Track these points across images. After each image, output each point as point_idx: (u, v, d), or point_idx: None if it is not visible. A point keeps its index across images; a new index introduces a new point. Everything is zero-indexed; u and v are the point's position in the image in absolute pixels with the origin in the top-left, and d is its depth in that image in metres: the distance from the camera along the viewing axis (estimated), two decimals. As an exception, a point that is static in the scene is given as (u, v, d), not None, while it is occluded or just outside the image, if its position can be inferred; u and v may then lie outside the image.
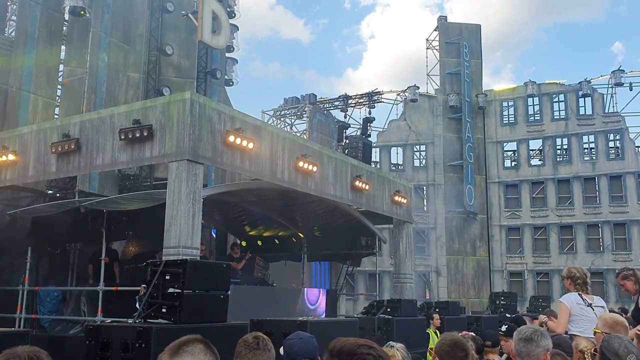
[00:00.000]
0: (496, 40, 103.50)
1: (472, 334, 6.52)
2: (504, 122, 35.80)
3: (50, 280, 13.41)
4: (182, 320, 5.96)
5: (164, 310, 6.10)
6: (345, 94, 36.27)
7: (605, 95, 34.14)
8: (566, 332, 5.88)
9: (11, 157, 11.73)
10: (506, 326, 6.82)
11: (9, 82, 15.34)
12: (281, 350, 3.42)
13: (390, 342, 4.39)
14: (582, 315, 5.87)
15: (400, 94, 36.76)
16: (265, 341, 3.18)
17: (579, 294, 6.03)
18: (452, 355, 3.33)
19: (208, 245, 16.97)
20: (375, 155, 35.23)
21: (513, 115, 35.77)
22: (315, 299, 16.61)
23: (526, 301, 25.44)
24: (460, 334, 5.10)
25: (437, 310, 12.04)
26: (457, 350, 3.35)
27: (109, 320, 8.30)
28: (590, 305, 5.93)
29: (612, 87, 34.00)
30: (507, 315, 13.44)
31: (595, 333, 4.64)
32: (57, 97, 17.31)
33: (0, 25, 18.17)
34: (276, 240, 18.24)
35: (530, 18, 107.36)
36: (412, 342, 8.93)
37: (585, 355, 4.25)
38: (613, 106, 34.19)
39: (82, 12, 16.67)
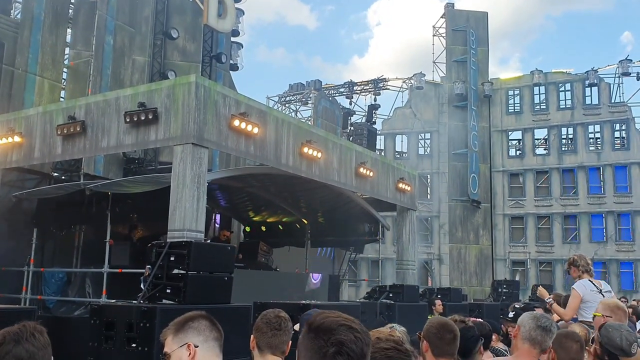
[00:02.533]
0: (504, 29, 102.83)
1: (480, 320, 6.52)
2: (510, 110, 35.64)
3: (55, 261, 13.51)
4: (186, 301, 6.02)
5: (168, 291, 6.16)
6: (351, 80, 36.17)
7: (612, 85, 33.93)
8: (575, 319, 5.89)
9: (17, 138, 11.77)
10: (514, 312, 6.78)
11: (14, 64, 15.35)
12: (296, 326, 3.42)
13: (395, 325, 4.39)
14: (595, 302, 5.81)
15: (406, 82, 36.61)
16: (287, 322, 3.17)
17: (590, 280, 6.00)
18: (439, 337, 3.30)
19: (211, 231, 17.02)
20: (380, 142, 35.19)
21: (519, 104, 35.59)
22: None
23: (528, 290, 25.50)
24: (468, 319, 5.10)
25: (439, 296, 12.09)
26: (445, 332, 3.32)
27: (113, 301, 8.37)
28: (600, 291, 5.91)
29: (619, 77, 33.77)
30: (517, 305, 13.17)
31: (594, 317, 4.63)
32: (63, 80, 17.33)
33: (6, 7, 18.12)
34: (280, 226, 18.29)
35: (539, 7, 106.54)
36: (414, 327, 8.99)
37: None
38: (620, 96, 34.01)
39: (88, -5, 16.65)
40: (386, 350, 1.89)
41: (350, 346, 1.57)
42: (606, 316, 4.18)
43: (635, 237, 31.52)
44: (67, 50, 17.60)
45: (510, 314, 6.68)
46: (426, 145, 36.17)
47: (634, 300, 21.61)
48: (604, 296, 5.84)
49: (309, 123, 26.12)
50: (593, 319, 4.77)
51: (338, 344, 1.56)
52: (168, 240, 8.39)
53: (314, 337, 1.60)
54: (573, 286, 6.17)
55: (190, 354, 2.26)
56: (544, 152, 34.87)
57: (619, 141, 33.48)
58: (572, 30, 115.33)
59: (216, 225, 17.70)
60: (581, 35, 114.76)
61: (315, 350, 1.58)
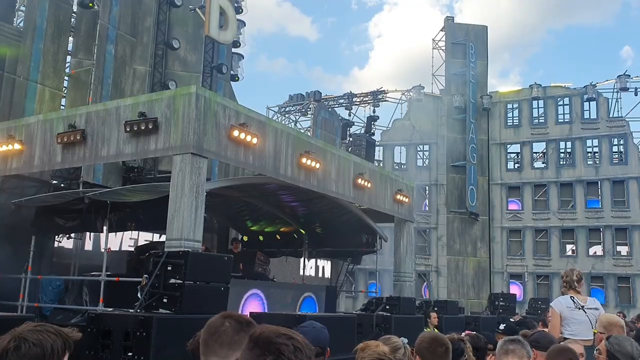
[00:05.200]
0: (505, 42, 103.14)
1: (475, 332, 6.53)
2: (508, 124, 35.77)
3: (52, 269, 13.52)
4: (183, 310, 6.05)
5: (165, 300, 6.20)
6: (350, 92, 36.34)
7: (610, 100, 34.10)
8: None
9: (17, 146, 11.83)
10: (505, 324, 6.81)
11: (16, 72, 15.43)
12: None
13: (403, 338, 4.39)
14: (572, 318, 5.84)
15: (405, 94, 36.76)
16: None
17: (570, 297, 6.03)
18: (431, 351, 3.34)
19: (210, 239, 17.04)
20: (378, 154, 35.27)
21: (517, 118, 35.73)
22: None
23: (525, 303, 25.49)
24: (462, 333, 5.13)
25: (435, 309, 12.08)
26: (436, 346, 3.36)
27: (110, 310, 8.39)
28: (582, 307, 5.91)
29: (617, 92, 33.92)
30: (511, 319, 13.03)
31: (594, 333, 4.68)
32: (64, 88, 17.41)
33: (9, 16, 18.24)
34: (277, 236, 18.31)
35: (540, 20, 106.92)
36: (410, 340, 8.99)
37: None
38: (618, 111, 34.14)
39: (90, 4, 16.77)
40: None
41: (289, 355, 1.57)
42: (601, 333, 4.24)
43: (633, 251, 31.53)
44: (68, 59, 17.70)
45: (501, 326, 6.72)
46: (425, 157, 36.27)
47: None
48: (585, 312, 5.84)
49: (308, 134, 26.22)
50: (593, 336, 4.82)
51: (276, 352, 1.57)
52: (166, 249, 8.44)
53: (252, 347, 1.61)
54: (550, 304, 6.25)
55: None
56: (542, 165, 34.96)
57: (616, 156, 33.58)
58: (573, 44, 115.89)
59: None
60: (582, 50, 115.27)
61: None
